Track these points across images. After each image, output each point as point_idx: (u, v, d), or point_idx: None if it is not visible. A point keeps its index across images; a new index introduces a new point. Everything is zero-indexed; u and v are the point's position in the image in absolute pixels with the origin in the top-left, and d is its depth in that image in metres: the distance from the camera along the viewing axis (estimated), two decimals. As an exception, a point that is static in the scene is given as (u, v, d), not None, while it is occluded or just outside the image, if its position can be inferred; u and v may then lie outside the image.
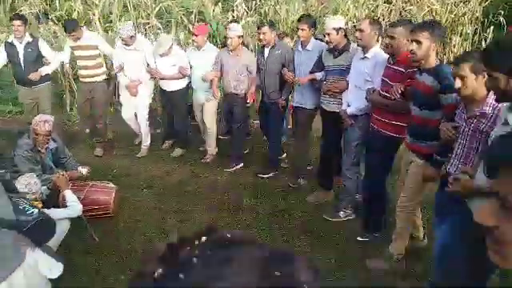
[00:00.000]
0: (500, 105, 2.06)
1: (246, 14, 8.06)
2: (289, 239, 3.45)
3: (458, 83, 2.17)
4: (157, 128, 5.58)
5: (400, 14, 8.28)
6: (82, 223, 3.26)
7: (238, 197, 4.13)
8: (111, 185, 3.87)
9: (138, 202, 4.04)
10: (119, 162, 4.88)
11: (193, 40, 4.82)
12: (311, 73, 3.98)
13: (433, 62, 2.68)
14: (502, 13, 8.55)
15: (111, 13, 7.67)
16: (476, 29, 8.38)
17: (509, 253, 0.63)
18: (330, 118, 3.79)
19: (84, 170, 3.67)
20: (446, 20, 8.26)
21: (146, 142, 5.15)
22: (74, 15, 7.34)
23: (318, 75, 3.93)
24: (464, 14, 8.57)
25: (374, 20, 3.49)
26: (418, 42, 2.61)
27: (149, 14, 7.62)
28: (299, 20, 4.10)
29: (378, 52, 3.35)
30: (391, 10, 8.55)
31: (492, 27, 8.53)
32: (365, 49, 3.37)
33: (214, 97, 4.76)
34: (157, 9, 7.63)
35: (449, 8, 8.59)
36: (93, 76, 4.88)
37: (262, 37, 4.27)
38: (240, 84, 4.52)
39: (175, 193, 4.21)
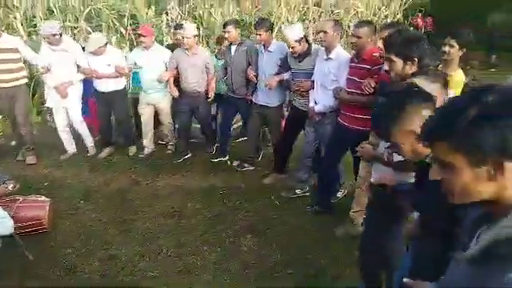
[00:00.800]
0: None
1: (179, 17, 7.99)
2: (235, 240, 3.47)
3: (385, 66, 2.40)
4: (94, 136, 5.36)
5: (329, 16, 8.69)
6: (15, 241, 3.04)
7: (182, 202, 4.08)
8: (44, 198, 3.64)
9: (76, 214, 3.84)
10: (52, 174, 4.61)
11: (140, 41, 4.84)
12: (278, 73, 4.16)
13: None
14: (419, 15, 9.31)
15: (34, 16, 7.22)
16: (398, 30, 9.03)
17: (456, 194, 0.92)
18: (299, 115, 4.02)
19: (10, 186, 3.41)
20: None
21: (90, 141, 5.05)
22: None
23: (285, 75, 4.12)
24: (386, 16, 9.21)
25: (336, 22, 3.73)
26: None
27: (77, 18, 7.27)
28: (255, 26, 4.27)
29: (340, 52, 3.58)
30: (321, 13, 8.95)
31: (411, 28, 9.24)
32: (327, 50, 3.57)
33: (173, 95, 4.82)
34: (86, 12, 7.30)
35: (372, 11, 9.18)
36: (17, 79, 4.60)
37: (227, 35, 4.46)
38: (201, 82, 4.67)
39: (115, 202, 4.06)
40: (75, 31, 7.07)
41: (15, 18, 6.92)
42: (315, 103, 3.75)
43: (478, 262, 0.88)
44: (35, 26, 7.07)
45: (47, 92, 4.85)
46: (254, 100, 4.46)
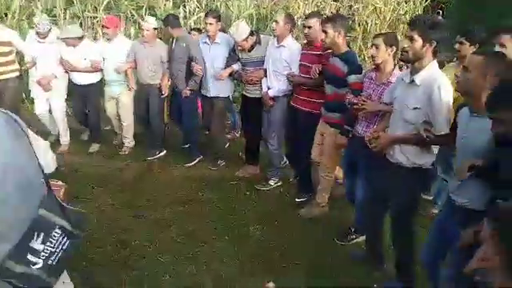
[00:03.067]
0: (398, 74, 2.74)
1: (197, 9, 8.01)
2: (245, 228, 3.50)
3: (373, 51, 2.81)
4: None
5: (347, 11, 8.59)
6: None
7: (193, 190, 4.14)
8: (59, 182, 3.71)
9: (89, 199, 3.92)
10: (66, 159, 4.70)
11: (104, 33, 4.82)
12: (228, 65, 4.28)
13: (342, 47, 3.25)
14: (440, 12, 9.12)
15: (55, 6, 7.33)
16: (417, 27, 8.88)
17: None
18: (253, 103, 4.18)
19: None
20: (390, 18, 8.68)
21: (66, 137, 5.04)
22: (14, 9, 6.95)
23: (235, 67, 4.26)
24: (406, 12, 9.04)
25: (288, 15, 4.03)
26: (325, 32, 3.23)
27: (96, 8, 7.36)
28: (206, 15, 4.35)
29: (291, 41, 3.90)
30: (339, 8, 8.85)
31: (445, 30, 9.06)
32: (279, 38, 3.82)
33: (131, 88, 4.81)
34: (105, 2, 7.38)
35: (391, 7, 9.03)
36: (7, 72, 4.64)
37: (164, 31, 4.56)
38: (155, 75, 4.64)
39: (128, 189, 4.14)
40: (94, 21, 7.17)
41: (36, 7, 7.05)
42: (268, 88, 3.96)
43: None
44: (55, 16, 7.19)
45: (31, 84, 4.89)
46: (204, 93, 4.54)
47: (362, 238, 3.25)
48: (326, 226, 3.52)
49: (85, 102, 4.92)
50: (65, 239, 1.50)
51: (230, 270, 2.99)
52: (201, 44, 4.44)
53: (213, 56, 4.35)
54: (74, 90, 4.96)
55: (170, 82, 4.70)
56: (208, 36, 4.35)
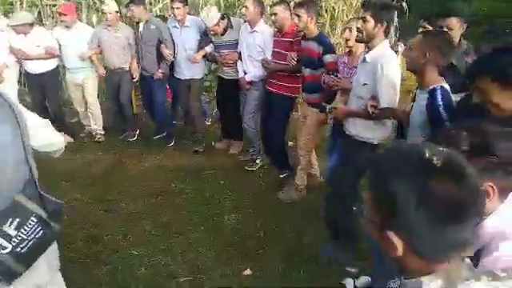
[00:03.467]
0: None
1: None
2: (220, 217, 3.48)
3: (347, 34, 3.04)
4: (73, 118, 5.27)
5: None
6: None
7: (166, 181, 4.07)
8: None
9: (57, 195, 3.77)
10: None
11: (61, 20, 4.67)
12: (200, 47, 4.34)
13: (314, 31, 3.38)
14: (405, -1, 9.31)
15: (12, -6, 6.93)
16: (383, 13, 9.01)
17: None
18: (229, 84, 4.27)
19: None
20: (356, 4, 8.75)
21: None
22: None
23: (208, 49, 4.32)
24: (372, -2, 9.17)
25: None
26: (299, 16, 3.29)
27: (56, -4, 7.02)
28: (172, 0, 4.32)
29: (264, 26, 3.96)
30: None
31: (396, 11, 9.23)
32: (251, 24, 3.87)
33: (99, 73, 4.74)
34: (65, -11, 7.05)
35: (357, -7, 9.11)
36: None
37: (129, 14, 4.53)
38: (124, 58, 4.60)
39: (99, 183, 4.02)
40: (53, 9, 6.85)
41: (-9, -5, 6.65)
42: (244, 73, 4.03)
43: None
44: (12, 4, 6.83)
45: None
46: (178, 77, 4.54)
47: None
48: (304, 211, 3.54)
49: (43, 91, 4.74)
50: (39, 228, 1.47)
51: (206, 259, 2.97)
52: (171, 28, 4.39)
53: (184, 39, 4.35)
54: (29, 80, 4.76)
55: (138, 66, 4.65)
56: (177, 20, 4.31)
